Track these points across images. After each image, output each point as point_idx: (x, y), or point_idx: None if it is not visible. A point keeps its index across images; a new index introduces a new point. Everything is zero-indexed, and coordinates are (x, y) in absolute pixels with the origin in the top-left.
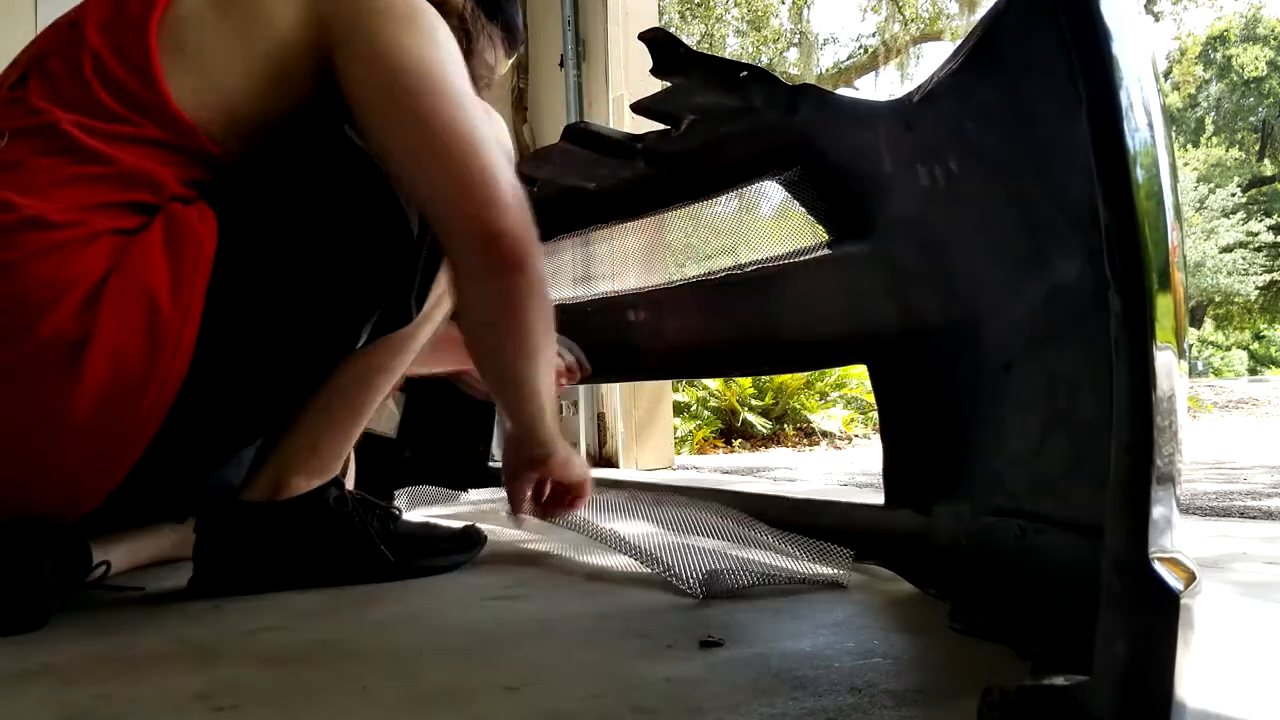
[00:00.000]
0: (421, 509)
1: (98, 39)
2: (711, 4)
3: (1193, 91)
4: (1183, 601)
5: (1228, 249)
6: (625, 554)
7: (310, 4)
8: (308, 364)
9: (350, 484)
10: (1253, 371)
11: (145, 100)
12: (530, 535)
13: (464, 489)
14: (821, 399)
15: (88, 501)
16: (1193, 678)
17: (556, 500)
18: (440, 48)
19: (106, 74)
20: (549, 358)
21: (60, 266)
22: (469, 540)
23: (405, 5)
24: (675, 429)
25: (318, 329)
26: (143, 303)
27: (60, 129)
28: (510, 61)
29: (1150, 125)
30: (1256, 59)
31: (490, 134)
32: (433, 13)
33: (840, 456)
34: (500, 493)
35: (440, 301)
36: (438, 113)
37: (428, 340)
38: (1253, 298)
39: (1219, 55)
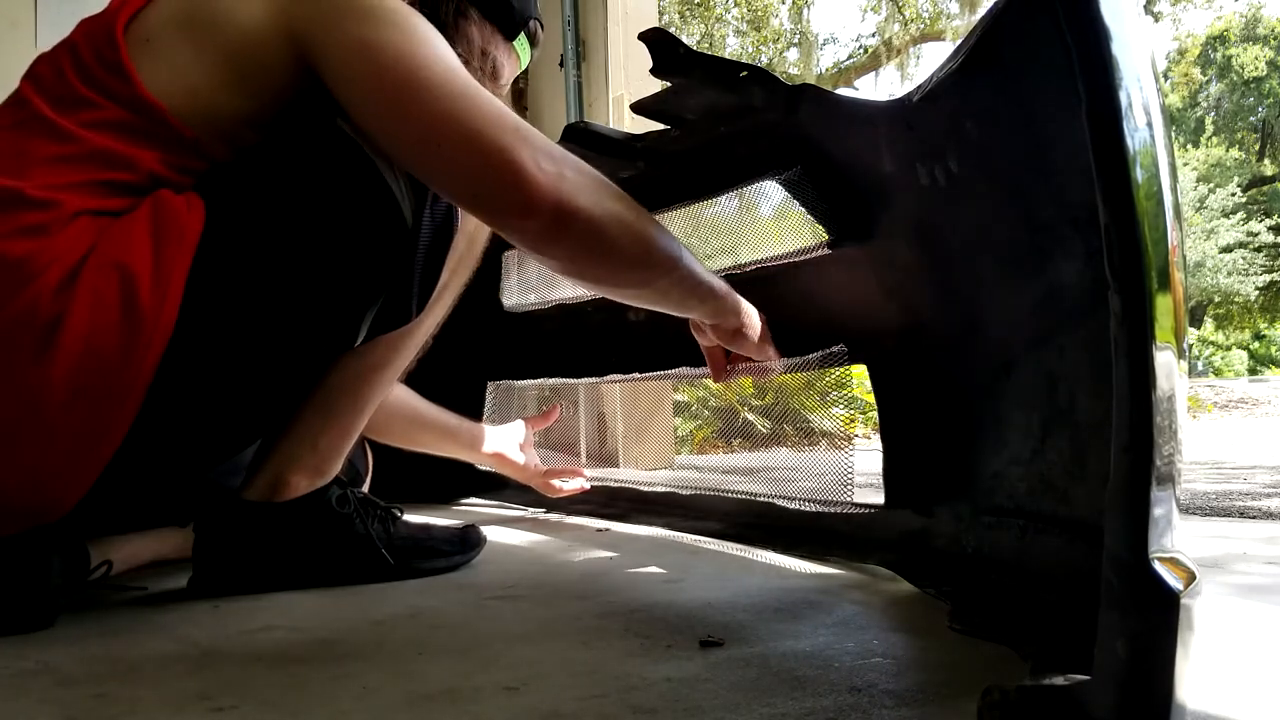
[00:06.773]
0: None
1: (79, 43)
2: (711, 4)
3: (1192, 92)
4: (1183, 601)
5: (1228, 249)
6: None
7: (279, 9)
8: (297, 359)
9: (366, 486)
10: (1253, 371)
11: (116, 89)
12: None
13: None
14: (821, 399)
15: (69, 495)
16: (1193, 678)
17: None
18: (412, 35)
19: (83, 68)
20: (672, 259)
21: (37, 246)
22: (469, 541)
23: (366, 2)
24: (675, 429)
25: (304, 323)
26: (120, 283)
27: (41, 115)
28: (528, 52)
29: (1150, 125)
30: (1256, 59)
31: (493, 104)
32: (395, 2)
33: (841, 457)
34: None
35: (440, 298)
36: (423, 108)
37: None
38: (1253, 298)
39: (1219, 55)
